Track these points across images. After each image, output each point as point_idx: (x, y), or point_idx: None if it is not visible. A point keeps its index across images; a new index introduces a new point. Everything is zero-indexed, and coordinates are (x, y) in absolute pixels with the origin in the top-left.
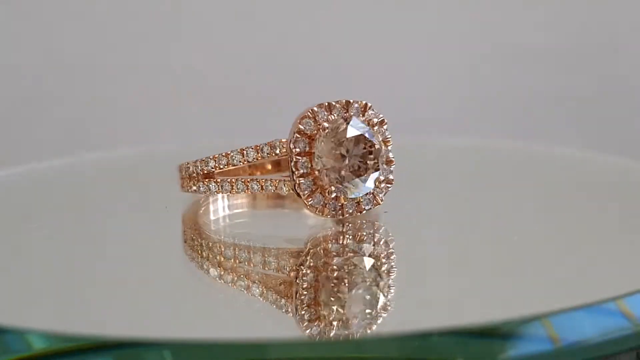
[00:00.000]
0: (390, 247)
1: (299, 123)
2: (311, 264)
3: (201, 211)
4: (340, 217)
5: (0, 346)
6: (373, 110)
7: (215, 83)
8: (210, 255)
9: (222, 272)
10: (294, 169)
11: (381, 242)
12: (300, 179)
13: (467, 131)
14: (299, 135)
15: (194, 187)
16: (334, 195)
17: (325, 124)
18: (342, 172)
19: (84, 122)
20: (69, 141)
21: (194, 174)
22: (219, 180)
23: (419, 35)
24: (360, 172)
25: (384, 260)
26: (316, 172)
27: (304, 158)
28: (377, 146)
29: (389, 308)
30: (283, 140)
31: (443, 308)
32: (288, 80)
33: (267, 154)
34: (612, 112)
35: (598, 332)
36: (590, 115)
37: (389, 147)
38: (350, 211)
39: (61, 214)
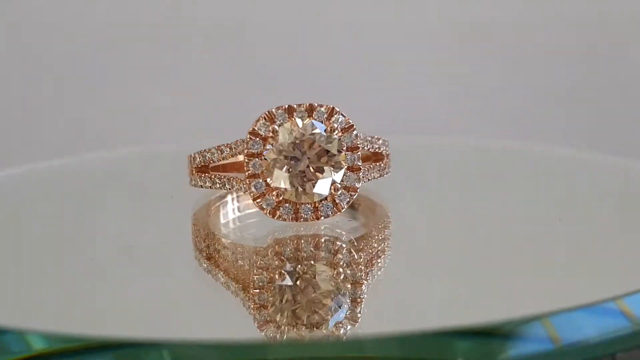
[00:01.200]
0: (356, 256)
1: (255, 124)
2: (263, 266)
3: (212, 213)
4: (295, 221)
5: (0, 347)
6: (342, 115)
7: (216, 83)
8: (206, 250)
9: (209, 266)
10: (245, 169)
11: (344, 250)
12: (251, 179)
13: (467, 131)
14: (252, 137)
15: (189, 180)
16: (280, 198)
17: (277, 127)
18: (290, 176)
19: (84, 122)
20: (69, 141)
21: (191, 167)
22: (202, 176)
23: (418, 34)
24: (310, 177)
25: (346, 270)
26: (266, 174)
27: (256, 159)
28: (332, 152)
29: (355, 317)
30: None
31: (443, 308)
32: (287, 79)
33: (236, 152)
34: (612, 112)
35: (598, 332)
36: (590, 115)
37: (358, 154)
38: (306, 216)
39: (60, 214)
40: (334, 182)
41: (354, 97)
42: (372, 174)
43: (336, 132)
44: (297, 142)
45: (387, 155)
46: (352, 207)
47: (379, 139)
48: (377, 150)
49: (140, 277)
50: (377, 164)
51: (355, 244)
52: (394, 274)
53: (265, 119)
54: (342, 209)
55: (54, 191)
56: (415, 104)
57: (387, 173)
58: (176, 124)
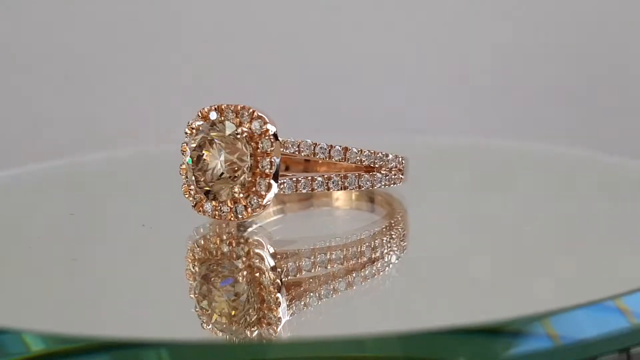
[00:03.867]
0: (266, 261)
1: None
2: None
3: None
4: (218, 219)
5: None
6: (261, 119)
7: (216, 82)
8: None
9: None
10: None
11: (253, 252)
12: (183, 171)
13: (467, 131)
14: (187, 131)
15: None
16: (192, 193)
17: (199, 124)
18: (194, 173)
19: (84, 122)
20: (69, 141)
21: None
22: None
23: (419, 34)
24: (211, 178)
25: (255, 275)
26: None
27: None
28: (234, 158)
29: (271, 322)
30: None
31: (444, 307)
32: (287, 79)
33: None
34: (612, 112)
35: (597, 330)
36: (590, 115)
37: (270, 160)
38: (222, 215)
39: (60, 214)
40: (235, 186)
41: (355, 97)
42: (332, 185)
43: (245, 134)
44: (203, 143)
45: (379, 168)
46: (371, 201)
47: (375, 153)
48: (362, 163)
49: (140, 277)
50: (348, 174)
51: (270, 251)
52: (394, 273)
53: (198, 116)
54: (251, 213)
55: (54, 191)
56: (416, 103)
57: (361, 187)
58: (176, 124)
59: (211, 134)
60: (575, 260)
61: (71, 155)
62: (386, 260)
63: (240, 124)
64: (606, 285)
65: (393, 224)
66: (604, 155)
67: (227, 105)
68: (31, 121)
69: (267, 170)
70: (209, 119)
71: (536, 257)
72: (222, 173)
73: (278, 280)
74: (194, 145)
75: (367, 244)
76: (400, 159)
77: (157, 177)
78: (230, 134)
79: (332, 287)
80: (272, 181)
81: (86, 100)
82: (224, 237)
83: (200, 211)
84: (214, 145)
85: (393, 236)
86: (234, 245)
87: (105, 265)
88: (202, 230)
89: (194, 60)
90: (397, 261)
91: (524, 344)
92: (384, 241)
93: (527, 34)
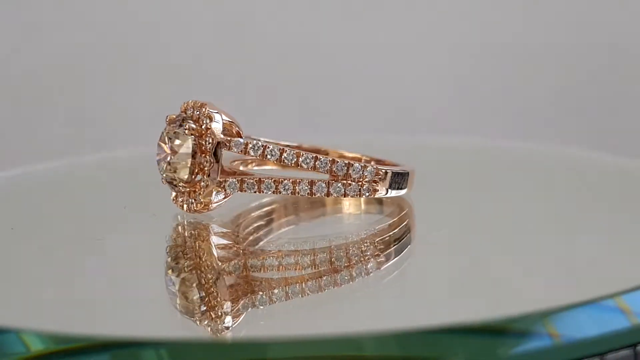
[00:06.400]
0: (212, 256)
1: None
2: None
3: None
4: (180, 209)
5: None
6: (209, 116)
7: (215, 82)
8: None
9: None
10: None
11: (199, 246)
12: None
13: (467, 131)
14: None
15: None
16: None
17: (173, 116)
18: (160, 165)
19: (84, 122)
20: (69, 141)
21: None
22: None
23: (419, 33)
24: (170, 170)
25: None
26: None
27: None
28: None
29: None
30: None
31: (442, 305)
32: (286, 78)
33: None
34: (612, 112)
35: (597, 329)
36: (590, 115)
37: (209, 158)
38: (183, 206)
39: (60, 215)
40: (181, 181)
41: (356, 97)
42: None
43: (193, 130)
44: (165, 137)
45: (338, 177)
46: (379, 202)
47: (333, 162)
48: (317, 170)
49: (139, 277)
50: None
51: (216, 247)
52: (393, 272)
53: (180, 110)
54: (197, 208)
55: (54, 192)
56: (415, 103)
57: (314, 195)
58: None
59: (176, 129)
60: (575, 260)
61: (71, 155)
62: (355, 272)
63: (197, 120)
64: (606, 284)
65: (387, 228)
66: (604, 155)
67: (196, 101)
68: (31, 121)
69: (205, 168)
70: (187, 112)
71: (536, 256)
72: (175, 167)
73: (219, 276)
74: (161, 138)
75: (335, 251)
76: (372, 168)
77: (155, 178)
78: (182, 130)
79: (285, 291)
80: (209, 179)
81: (85, 101)
82: (185, 228)
83: (173, 201)
84: (172, 140)
85: (362, 249)
86: (185, 237)
87: (105, 264)
88: (175, 222)
89: (194, 60)
90: (372, 274)
91: (524, 343)
92: (352, 252)
93: (527, 34)
